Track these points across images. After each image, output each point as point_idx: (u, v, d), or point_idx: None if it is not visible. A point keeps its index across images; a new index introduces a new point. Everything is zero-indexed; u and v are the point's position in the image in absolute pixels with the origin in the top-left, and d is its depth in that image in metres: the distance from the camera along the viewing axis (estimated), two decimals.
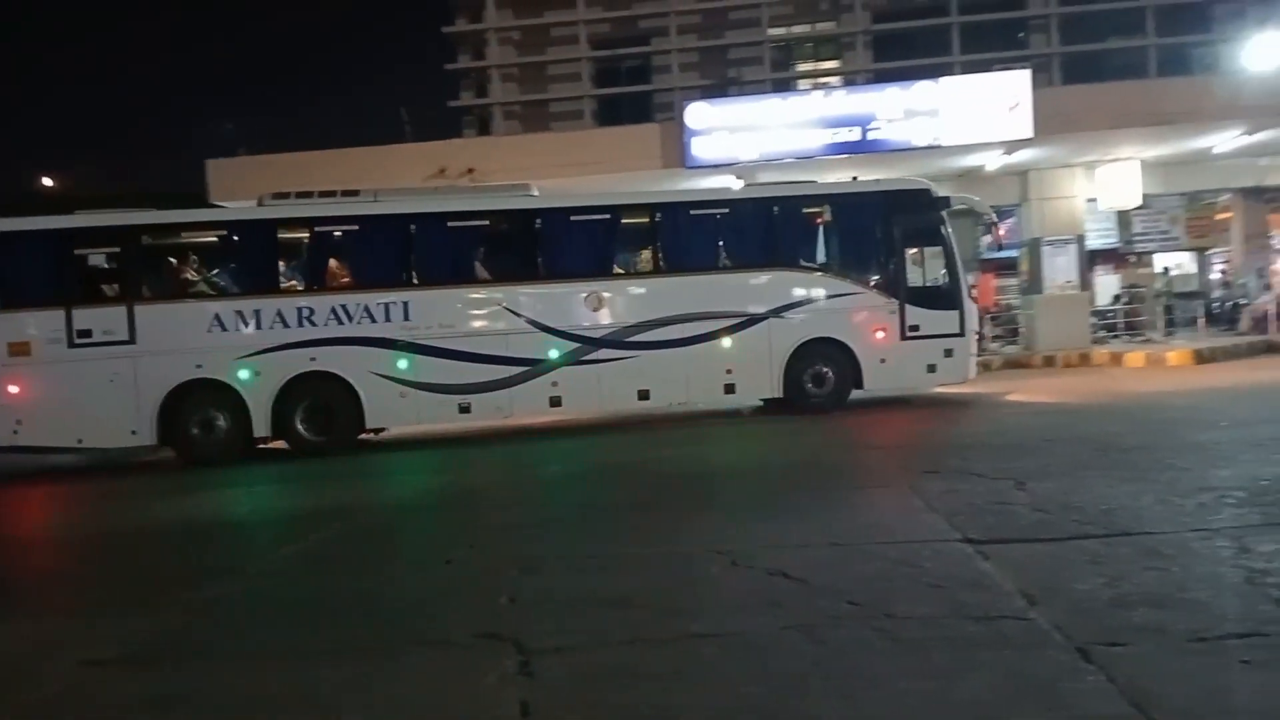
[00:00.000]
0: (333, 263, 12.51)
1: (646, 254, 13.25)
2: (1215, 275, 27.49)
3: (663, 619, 4.25)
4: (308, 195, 12.31)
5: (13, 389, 11.36)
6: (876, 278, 13.09)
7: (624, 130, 18.48)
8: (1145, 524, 5.43)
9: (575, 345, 12.37)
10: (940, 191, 13.30)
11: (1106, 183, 19.04)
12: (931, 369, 13.09)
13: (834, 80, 20.28)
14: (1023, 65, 17.77)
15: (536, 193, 13.08)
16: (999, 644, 3.67)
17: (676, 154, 17.57)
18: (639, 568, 5.24)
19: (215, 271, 12.55)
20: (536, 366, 12.26)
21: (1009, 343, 21.10)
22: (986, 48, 19.15)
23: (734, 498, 7.61)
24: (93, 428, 11.56)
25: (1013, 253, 21.75)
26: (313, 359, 11.81)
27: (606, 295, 12.50)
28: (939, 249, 13.11)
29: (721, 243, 13.07)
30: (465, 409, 12.20)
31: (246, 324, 11.75)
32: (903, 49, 19.57)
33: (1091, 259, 21.25)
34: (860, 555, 5.14)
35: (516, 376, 12.24)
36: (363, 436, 12.37)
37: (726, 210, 13.10)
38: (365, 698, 3.59)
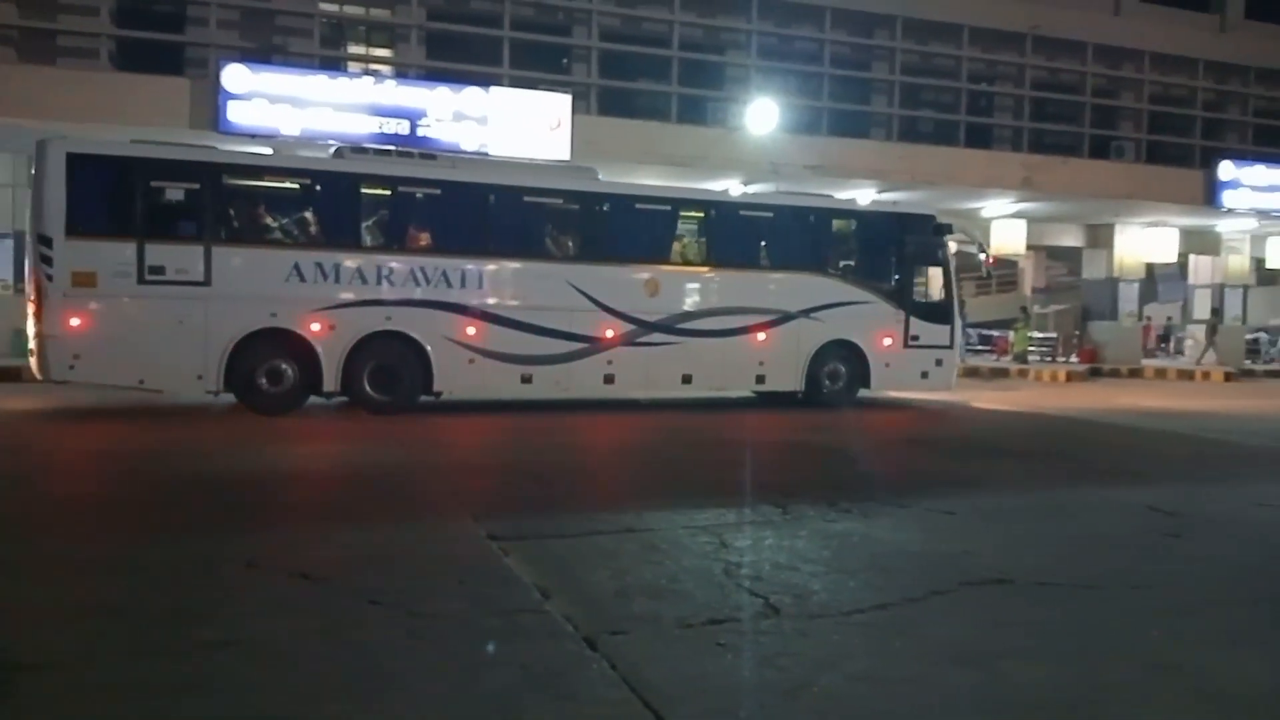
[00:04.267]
0: (414, 224, 12.38)
1: (699, 247, 13.79)
2: None
3: (168, 627, 3.86)
4: (385, 153, 12.61)
5: (74, 321, 10.59)
6: (889, 289, 14.29)
7: (148, 80, 16.60)
8: (645, 521, 6.00)
9: (631, 327, 12.77)
10: (943, 220, 14.78)
11: None
12: (924, 375, 14.43)
13: (385, 69, 19.96)
14: (565, 90, 18.84)
15: (600, 176, 13.47)
16: (516, 637, 3.83)
17: (208, 116, 16.17)
18: (143, 572, 4.71)
19: (296, 220, 12.05)
20: (594, 344, 12.59)
21: None
22: (533, 67, 20.01)
23: (274, 499, 7.15)
24: (156, 369, 11.00)
25: None
26: (388, 318, 11.69)
27: (662, 282, 13.00)
28: (940, 269, 14.62)
29: (764, 244, 13.97)
30: (527, 380, 12.37)
31: (325, 277, 11.49)
32: (455, 51, 19.81)
33: None
34: (388, 553, 5.08)
35: (576, 352, 12.52)
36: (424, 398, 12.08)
37: (771, 214, 14.16)
38: None
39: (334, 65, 19.08)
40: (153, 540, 5.35)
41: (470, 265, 12.14)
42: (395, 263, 11.84)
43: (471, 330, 12.03)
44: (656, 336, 12.92)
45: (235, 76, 16.29)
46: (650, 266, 13.11)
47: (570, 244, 13.13)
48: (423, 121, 17.13)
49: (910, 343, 14.25)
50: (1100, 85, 24.94)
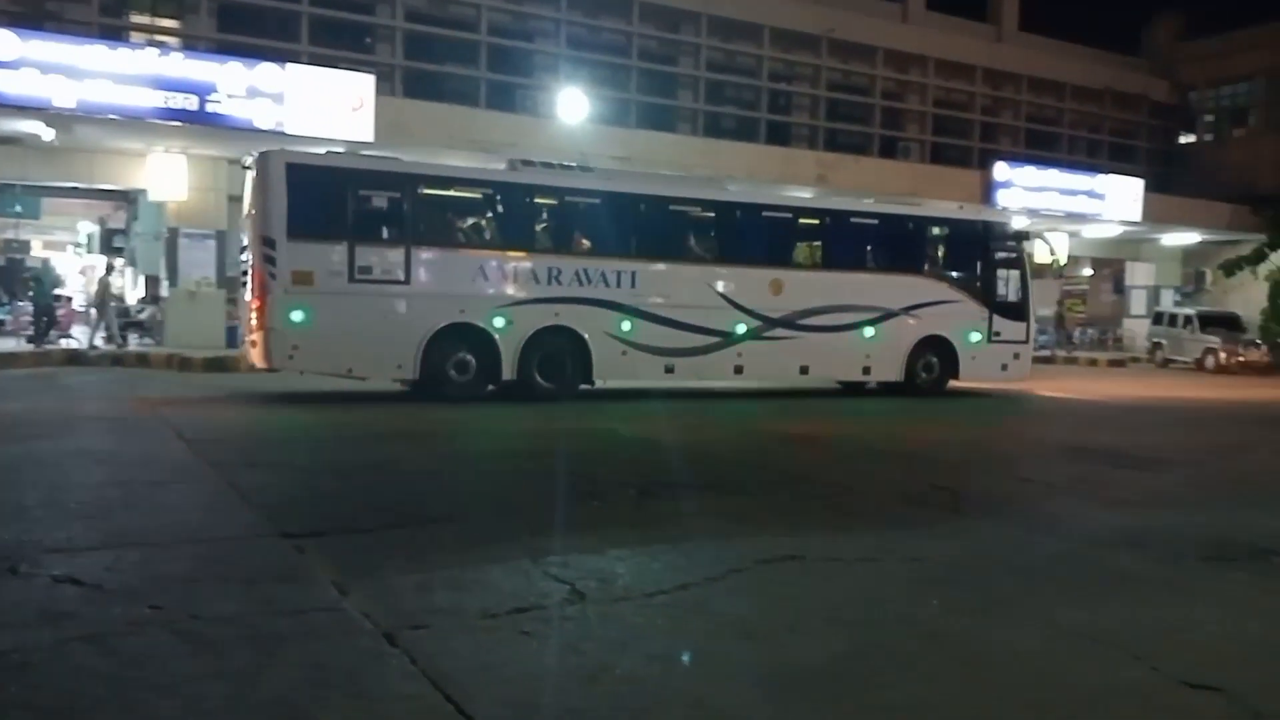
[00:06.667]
0: (578, 230, 13.55)
1: (816, 251, 15.31)
2: None
3: None
4: (550, 165, 13.96)
5: (294, 315, 11.54)
6: (976, 289, 15.62)
7: None
8: (447, 511, 5.90)
9: (758, 323, 13.99)
10: (1021, 226, 16.80)
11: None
12: (1004, 367, 15.78)
13: (172, 41, 18.72)
14: (368, 70, 18.25)
15: (732, 188, 15.45)
16: (308, 636, 3.67)
17: None
18: None
19: (481, 226, 13.39)
20: (728, 338, 13.84)
21: None
22: (334, 45, 19.28)
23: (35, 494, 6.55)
24: (363, 359, 12.07)
25: None
26: (556, 314, 12.82)
27: (784, 282, 14.20)
28: (1018, 271, 15.93)
29: (870, 248, 15.28)
30: (670, 370, 13.62)
31: (505, 277, 12.69)
32: (249, 25, 18.84)
33: None
34: (168, 555, 4.77)
35: (713, 345, 13.76)
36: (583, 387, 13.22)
37: (877, 221, 15.48)
38: None
39: (115, 34, 17.77)
40: None
41: (625, 267, 13.29)
42: (563, 264, 12.98)
43: (625, 325, 13.23)
44: (778, 331, 14.15)
45: (1, 43, 14.88)
46: (775, 268, 14.38)
47: (708, 248, 14.49)
48: (212, 97, 16.22)
49: (993, 338, 15.65)
50: (889, 88, 26.40)
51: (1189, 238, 29.74)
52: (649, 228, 13.77)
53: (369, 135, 17.17)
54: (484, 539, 5.25)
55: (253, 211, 12.05)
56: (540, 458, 8.53)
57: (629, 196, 13.72)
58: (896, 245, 15.51)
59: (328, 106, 17.00)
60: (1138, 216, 26.81)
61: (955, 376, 15.52)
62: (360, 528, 5.47)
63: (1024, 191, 25.58)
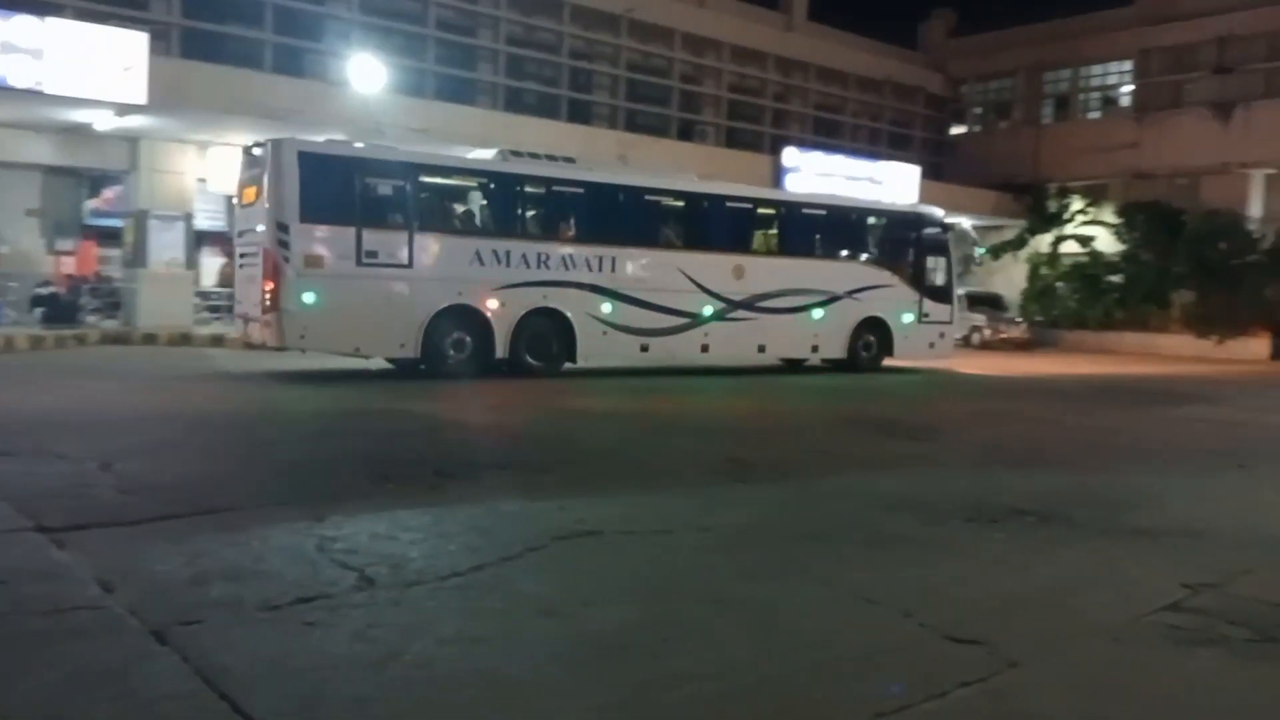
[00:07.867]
0: (563, 218, 14.33)
1: (773, 238, 16.50)
2: None
3: None
4: (537, 157, 14.42)
5: (305, 297, 12.06)
6: (908, 274, 17.09)
7: None
8: (228, 499, 5.60)
9: (722, 305, 15.05)
10: (947, 218, 18.26)
11: (216, 165, 19.19)
12: (931, 346, 17.33)
13: None
14: (141, 27, 16.93)
15: (695, 177, 16.01)
16: (68, 637, 3.41)
17: None
18: None
19: (476, 213, 14.11)
20: (695, 319, 14.84)
21: (109, 316, 19.93)
22: None
23: None
24: (370, 338, 12.81)
25: (117, 222, 20.70)
26: (545, 297, 13.57)
27: (746, 267, 15.31)
28: (943, 258, 17.59)
29: (819, 236, 16.71)
30: (645, 349, 14.50)
31: (499, 261, 13.32)
32: None
33: (199, 239, 21.24)
34: None
35: (682, 326, 14.72)
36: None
37: (825, 212, 17.02)
38: None
39: None
40: None
41: (606, 252, 14.15)
42: (550, 250, 13.78)
43: (606, 307, 14.05)
44: (740, 313, 15.19)
45: None
46: (737, 254, 15.45)
47: (679, 235, 15.44)
48: None
49: (923, 319, 17.19)
50: (687, 72, 26.90)
51: (959, 222, 31.92)
52: (626, 215, 14.68)
53: (141, 98, 15.95)
54: (267, 526, 5.00)
55: (261, 197, 12.38)
56: (347, 438, 8.22)
57: (609, 186, 14.63)
58: (842, 233, 17.09)
59: (94, 65, 15.61)
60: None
61: (891, 354, 16.91)
62: (128, 519, 5.09)
63: (812, 176, 26.62)
